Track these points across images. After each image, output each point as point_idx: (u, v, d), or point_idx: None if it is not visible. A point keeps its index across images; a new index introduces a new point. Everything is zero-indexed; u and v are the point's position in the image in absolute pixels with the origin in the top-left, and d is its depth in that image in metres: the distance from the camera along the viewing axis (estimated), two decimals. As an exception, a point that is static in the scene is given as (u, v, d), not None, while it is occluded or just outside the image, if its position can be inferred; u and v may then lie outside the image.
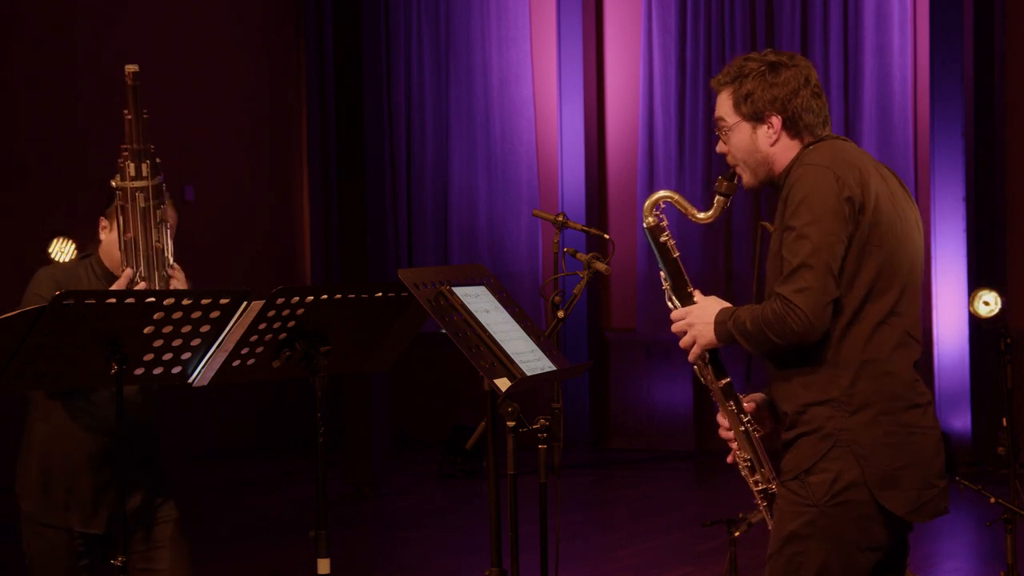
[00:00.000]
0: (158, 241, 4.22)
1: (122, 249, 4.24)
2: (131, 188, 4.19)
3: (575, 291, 4.86)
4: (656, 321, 11.47)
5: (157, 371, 4.00)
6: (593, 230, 5.41)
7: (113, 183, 4.22)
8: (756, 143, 3.68)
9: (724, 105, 3.72)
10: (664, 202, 3.78)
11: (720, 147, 3.77)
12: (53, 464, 4.43)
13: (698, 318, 3.68)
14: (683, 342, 3.71)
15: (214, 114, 11.86)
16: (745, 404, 3.76)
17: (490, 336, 3.94)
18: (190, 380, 4.07)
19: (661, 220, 3.77)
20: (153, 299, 3.87)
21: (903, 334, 3.59)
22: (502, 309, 4.12)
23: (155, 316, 3.87)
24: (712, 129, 10.23)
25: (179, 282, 4.29)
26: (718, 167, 11.10)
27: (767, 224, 3.72)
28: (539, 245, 11.95)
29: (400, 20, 12.39)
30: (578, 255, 5.01)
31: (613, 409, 11.83)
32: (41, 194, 10.50)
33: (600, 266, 4.94)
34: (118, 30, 11.01)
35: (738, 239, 11.21)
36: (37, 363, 3.83)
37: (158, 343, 3.93)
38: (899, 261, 3.59)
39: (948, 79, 10.13)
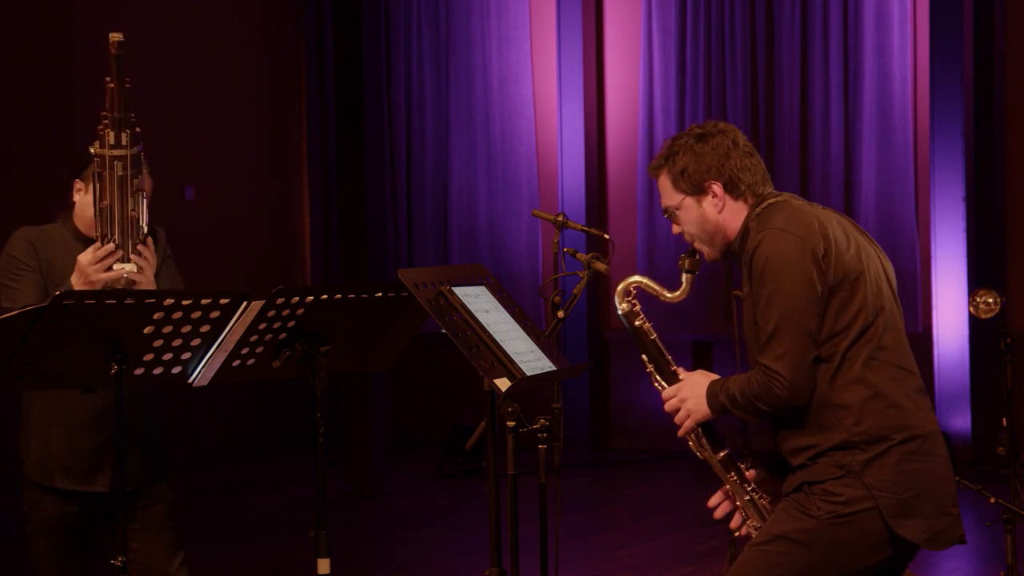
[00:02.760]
0: (134, 210, 4.20)
1: (97, 216, 4.21)
2: (109, 156, 4.17)
3: (575, 291, 4.86)
4: (656, 321, 11.44)
5: (157, 371, 3.99)
6: (593, 230, 5.41)
7: (92, 150, 4.20)
8: (705, 214, 3.74)
9: (665, 188, 3.78)
10: (635, 287, 3.88)
11: (675, 229, 3.83)
12: (51, 427, 4.44)
13: (689, 393, 3.74)
14: (677, 419, 3.76)
15: (214, 114, 11.86)
16: (747, 473, 3.78)
17: (490, 336, 3.94)
18: (190, 380, 4.07)
19: (634, 305, 3.88)
20: (153, 299, 3.87)
21: (894, 368, 3.61)
22: (502, 309, 4.12)
23: (155, 316, 3.86)
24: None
25: (147, 257, 4.25)
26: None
27: (738, 292, 3.76)
28: (539, 245, 11.95)
29: (400, 20, 12.39)
30: (578, 255, 5.01)
31: (613, 409, 11.83)
32: (41, 194, 10.49)
33: (600, 266, 4.94)
34: (118, 30, 10.99)
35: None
36: (37, 363, 3.83)
37: (158, 343, 3.92)
38: (870, 300, 3.60)
39: (948, 79, 10.13)
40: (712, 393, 3.68)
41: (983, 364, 9.98)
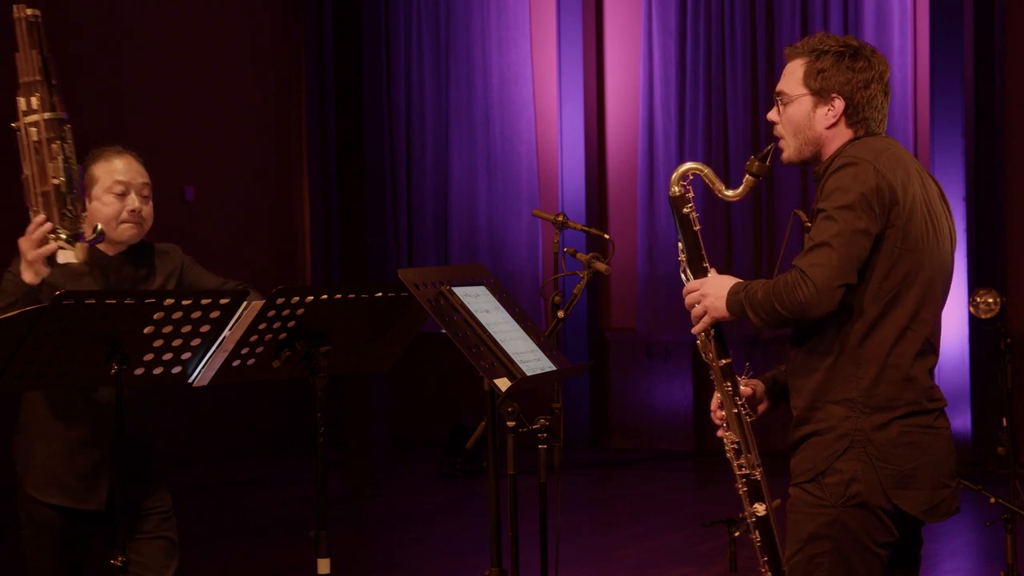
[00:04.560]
0: (55, 177, 4.02)
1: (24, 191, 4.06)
2: (24, 124, 4.04)
3: (575, 291, 4.87)
4: (656, 321, 11.47)
5: (157, 371, 4.00)
6: (593, 230, 5.42)
7: (13, 125, 4.06)
8: (812, 120, 3.68)
9: (793, 75, 3.70)
10: (692, 174, 3.76)
11: (772, 115, 3.76)
12: (50, 445, 4.40)
13: (711, 290, 3.69)
14: (694, 313, 3.72)
15: (214, 114, 11.86)
16: (742, 388, 3.77)
17: (490, 336, 3.94)
18: (190, 380, 4.07)
19: (687, 192, 3.77)
20: (153, 299, 3.87)
21: (924, 342, 3.64)
22: (502, 309, 4.12)
23: (155, 316, 3.87)
24: (707, 126, 10.14)
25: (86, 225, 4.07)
26: (718, 166, 11.10)
27: (800, 212, 3.73)
28: (539, 245, 11.95)
29: (400, 20, 12.39)
30: (578, 255, 5.02)
31: (613, 409, 11.83)
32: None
33: (600, 266, 4.95)
34: (120, 30, 11.00)
35: (737, 235, 11.20)
36: (37, 363, 3.83)
37: (158, 343, 3.93)
38: (927, 269, 3.60)
39: (948, 79, 10.13)
40: (733, 292, 3.63)
41: (983, 364, 9.98)
